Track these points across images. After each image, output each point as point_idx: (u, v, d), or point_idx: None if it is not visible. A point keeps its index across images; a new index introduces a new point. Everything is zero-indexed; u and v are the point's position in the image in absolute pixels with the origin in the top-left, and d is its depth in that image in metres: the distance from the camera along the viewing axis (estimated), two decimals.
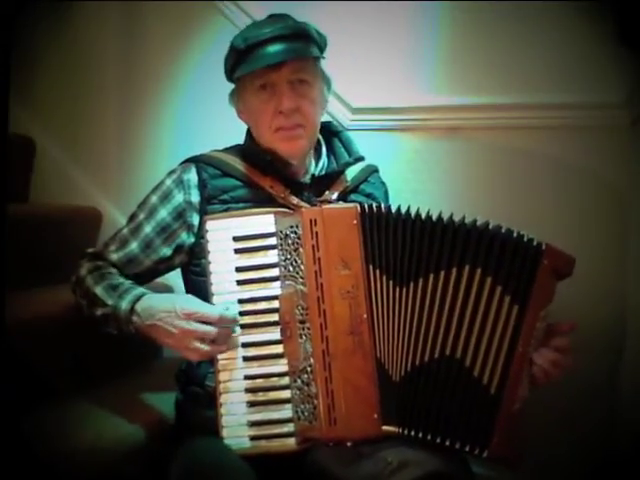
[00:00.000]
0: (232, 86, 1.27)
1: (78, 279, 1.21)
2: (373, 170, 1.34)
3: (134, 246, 1.22)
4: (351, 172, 1.28)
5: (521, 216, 1.38)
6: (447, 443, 1.01)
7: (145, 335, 1.10)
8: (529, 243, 1.04)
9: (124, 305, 1.10)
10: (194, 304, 1.07)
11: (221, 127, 1.68)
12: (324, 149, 1.30)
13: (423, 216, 1.05)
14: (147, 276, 1.25)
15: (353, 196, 1.26)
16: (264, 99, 1.18)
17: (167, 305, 1.08)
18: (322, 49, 1.24)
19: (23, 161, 1.95)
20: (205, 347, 1.04)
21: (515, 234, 1.04)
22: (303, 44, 1.18)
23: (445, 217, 1.05)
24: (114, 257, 1.22)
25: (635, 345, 1.35)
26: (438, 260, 1.04)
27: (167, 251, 1.22)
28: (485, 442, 1.01)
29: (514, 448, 1.02)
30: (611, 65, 1.34)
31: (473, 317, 1.03)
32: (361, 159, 1.30)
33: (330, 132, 1.33)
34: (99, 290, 1.15)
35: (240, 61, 1.19)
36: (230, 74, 1.24)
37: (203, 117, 1.75)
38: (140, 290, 1.14)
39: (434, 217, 1.05)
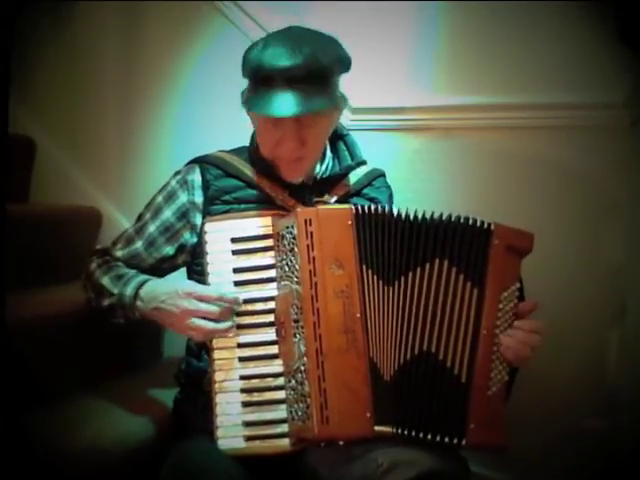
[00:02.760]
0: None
1: (87, 273, 1.24)
2: (378, 174, 1.34)
3: (139, 245, 1.24)
4: (354, 176, 1.28)
5: (521, 216, 1.37)
6: (429, 437, 1.02)
7: (150, 319, 1.13)
8: (480, 227, 1.07)
9: (128, 291, 1.13)
10: (195, 285, 1.10)
11: (221, 127, 1.69)
12: (329, 152, 1.29)
13: (403, 215, 1.07)
14: (149, 273, 1.26)
15: (355, 200, 1.26)
16: (269, 127, 1.15)
17: (168, 287, 1.11)
18: (344, 72, 1.18)
19: (23, 161, 1.96)
20: (208, 324, 1.06)
21: (470, 221, 1.07)
22: (321, 92, 1.11)
23: (420, 215, 1.07)
24: (119, 254, 1.25)
25: (634, 345, 1.35)
26: (416, 257, 1.07)
27: (170, 250, 1.24)
28: (462, 430, 1.03)
29: (495, 433, 1.03)
30: (611, 65, 1.34)
31: (444, 309, 1.06)
32: (363, 163, 1.31)
33: (336, 135, 1.31)
34: (106, 280, 1.18)
35: (251, 85, 1.15)
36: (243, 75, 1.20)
37: (203, 117, 1.75)
38: (144, 277, 1.16)
39: (411, 216, 1.07)
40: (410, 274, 1.06)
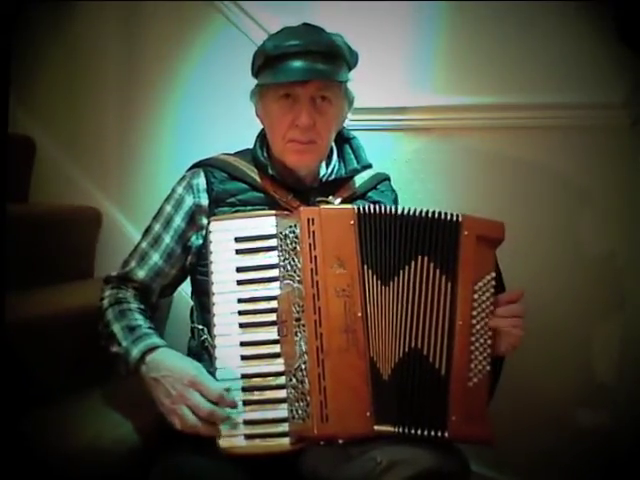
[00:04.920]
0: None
1: (100, 310, 1.21)
2: (383, 178, 1.35)
3: (156, 258, 1.23)
4: (359, 179, 1.29)
5: (521, 215, 1.38)
6: (418, 432, 1.03)
7: (146, 386, 1.09)
8: (450, 219, 1.09)
9: (135, 352, 1.10)
10: (201, 375, 1.06)
11: (221, 127, 1.69)
12: (335, 155, 1.30)
13: (399, 214, 1.09)
14: (172, 287, 1.28)
15: (359, 202, 1.26)
16: (284, 109, 1.18)
17: (176, 366, 1.07)
18: (352, 67, 1.24)
19: (23, 161, 1.96)
20: (192, 418, 1.02)
21: (441, 215, 1.09)
22: (333, 65, 1.17)
23: (406, 211, 1.09)
24: (141, 275, 1.22)
25: (634, 345, 1.35)
26: (405, 255, 1.09)
27: (184, 256, 1.24)
28: (444, 423, 1.03)
29: (479, 425, 1.04)
30: (611, 65, 1.34)
31: (425, 305, 1.08)
32: (368, 166, 1.31)
33: (342, 138, 1.33)
34: (116, 328, 1.15)
35: (267, 65, 1.19)
36: (255, 74, 1.24)
37: (203, 117, 1.75)
38: (153, 341, 1.12)
39: (399, 212, 1.09)
40: (401, 272, 1.08)
